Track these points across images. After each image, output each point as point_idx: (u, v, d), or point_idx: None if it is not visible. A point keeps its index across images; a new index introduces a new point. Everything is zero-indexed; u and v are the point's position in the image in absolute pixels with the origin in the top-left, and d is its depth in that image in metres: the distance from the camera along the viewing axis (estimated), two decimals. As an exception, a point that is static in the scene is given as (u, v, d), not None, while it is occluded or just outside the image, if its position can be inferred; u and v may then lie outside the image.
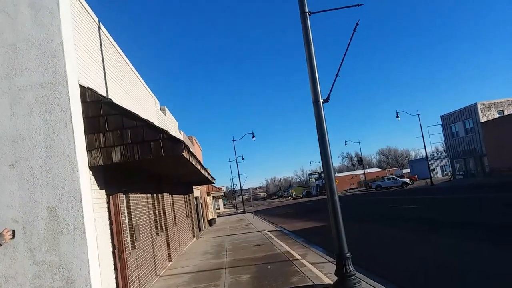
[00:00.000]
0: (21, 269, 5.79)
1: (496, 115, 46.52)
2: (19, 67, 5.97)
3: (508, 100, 47.59)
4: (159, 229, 11.55)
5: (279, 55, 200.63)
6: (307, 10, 6.83)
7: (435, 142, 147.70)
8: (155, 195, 11.56)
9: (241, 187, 58.64)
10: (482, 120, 46.38)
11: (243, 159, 63.86)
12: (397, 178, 60.49)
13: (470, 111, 48.41)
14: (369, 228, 15.73)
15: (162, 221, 12.11)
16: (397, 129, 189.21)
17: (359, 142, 76.61)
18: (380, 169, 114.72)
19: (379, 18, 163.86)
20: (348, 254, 6.43)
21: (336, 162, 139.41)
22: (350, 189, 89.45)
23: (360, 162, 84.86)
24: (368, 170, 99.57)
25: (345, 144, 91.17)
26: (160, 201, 12.07)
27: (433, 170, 72.91)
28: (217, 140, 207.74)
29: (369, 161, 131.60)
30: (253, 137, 51.16)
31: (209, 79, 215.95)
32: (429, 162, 58.31)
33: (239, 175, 65.65)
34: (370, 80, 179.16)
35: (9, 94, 5.94)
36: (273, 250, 12.63)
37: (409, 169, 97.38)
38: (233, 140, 54.10)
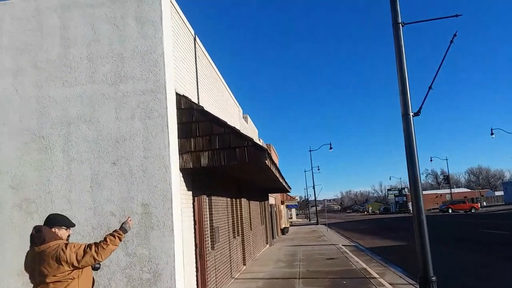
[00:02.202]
0: (115, 259, 6.30)
1: None
2: (125, 75, 6.61)
3: None
4: (235, 233, 11.88)
5: (364, 65, 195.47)
6: (400, 21, 6.61)
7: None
8: (234, 199, 11.93)
9: (315, 198, 57.98)
10: None
11: (318, 169, 63.23)
12: None
13: None
14: (455, 253, 14.54)
15: (239, 225, 12.44)
16: (491, 147, 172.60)
17: (446, 159, 71.42)
18: (469, 190, 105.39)
19: (476, 27, 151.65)
20: (433, 278, 6.03)
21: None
22: (433, 209, 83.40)
23: (447, 180, 78.95)
24: (455, 190, 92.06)
25: (431, 160, 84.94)
26: (238, 206, 12.42)
27: (533, 194, 65.10)
28: (293, 149, 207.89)
29: (456, 180, 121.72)
30: (330, 148, 50.29)
31: (289, 87, 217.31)
32: (528, 185, 52.22)
33: (314, 185, 64.68)
34: (462, 93, 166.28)
35: (115, 99, 6.60)
36: (348, 266, 12.27)
37: (502, 192, 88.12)
38: (310, 150, 53.75)
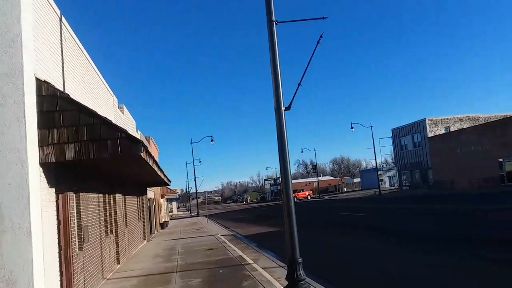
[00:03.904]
0: (-42, 269, 5.39)
1: (443, 131, 49.53)
2: (-30, 54, 5.62)
3: (454, 118, 50.80)
4: (108, 231, 11.20)
5: (242, 61, 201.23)
6: (274, 19, 6.97)
7: (385, 153, 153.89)
8: (107, 195, 11.22)
9: (196, 190, 58.13)
10: (430, 135, 49.18)
11: (200, 162, 63.45)
12: None
13: (419, 126, 51.19)
14: (321, 235, 16.14)
15: (113, 222, 11.77)
16: (351, 139, 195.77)
17: (314, 151, 78.41)
18: (333, 178, 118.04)
19: (343, 31, 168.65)
20: (299, 259, 6.58)
21: (291, 169, 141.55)
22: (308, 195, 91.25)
23: (315, 170, 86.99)
24: (321, 178, 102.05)
25: (302, 151, 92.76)
26: (112, 202, 11.73)
27: (382, 180, 76.23)
28: (174, 141, 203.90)
29: (323, 169, 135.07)
30: (211, 140, 50.96)
31: (169, 79, 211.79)
32: (379, 172, 60.93)
33: (195, 178, 64.52)
34: (328, 90, 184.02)
35: (-44, 82, 5.57)
36: (226, 255, 12.64)
37: (359, 179, 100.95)
38: (191, 143, 53.63)
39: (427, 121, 49.81)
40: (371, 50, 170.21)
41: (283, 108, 7.03)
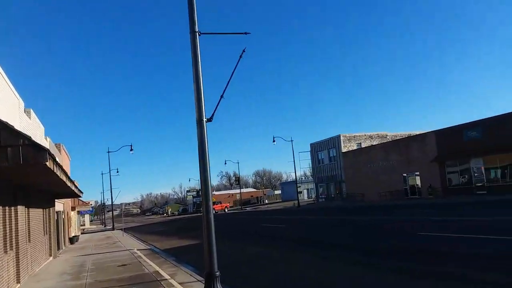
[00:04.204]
0: None
1: (355, 147, 53.16)
2: None
3: (365, 135, 54.84)
4: (8, 247, 10.06)
5: (163, 71, 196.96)
6: (197, 30, 6.94)
7: (304, 167, 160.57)
8: (7, 207, 10.10)
9: (112, 202, 54.98)
10: (344, 150, 52.46)
11: (117, 172, 60.40)
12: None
13: (334, 142, 54.39)
14: (242, 247, 16.19)
15: (13, 237, 10.60)
16: (273, 152, 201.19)
17: (238, 163, 79.50)
18: (255, 189, 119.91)
19: (266, 46, 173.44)
20: (217, 273, 6.50)
21: (215, 181, 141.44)
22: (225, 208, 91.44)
23: (238, 182, 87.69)
24: (244, 190, 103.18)
25: (225, 163, 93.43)
26: (13, 215, 10.59)
27: (301, 192, 79.35)
28: (89, 150, 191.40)
29: (245, 181, 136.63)
30: (131, 150, 48.72)
31: (86, 85, 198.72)
32: (298, 185, 63.34)
33: (111, 189, 61.23)
34: (252, 104, 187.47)
35: None
36: (141, 270, 12.04)
37: (280, 191, 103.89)
38: (108, 152, 50.72)
39: (341, 137, 53.14)
40: (292, 67, 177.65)
41: (205, 119, 6.98)
